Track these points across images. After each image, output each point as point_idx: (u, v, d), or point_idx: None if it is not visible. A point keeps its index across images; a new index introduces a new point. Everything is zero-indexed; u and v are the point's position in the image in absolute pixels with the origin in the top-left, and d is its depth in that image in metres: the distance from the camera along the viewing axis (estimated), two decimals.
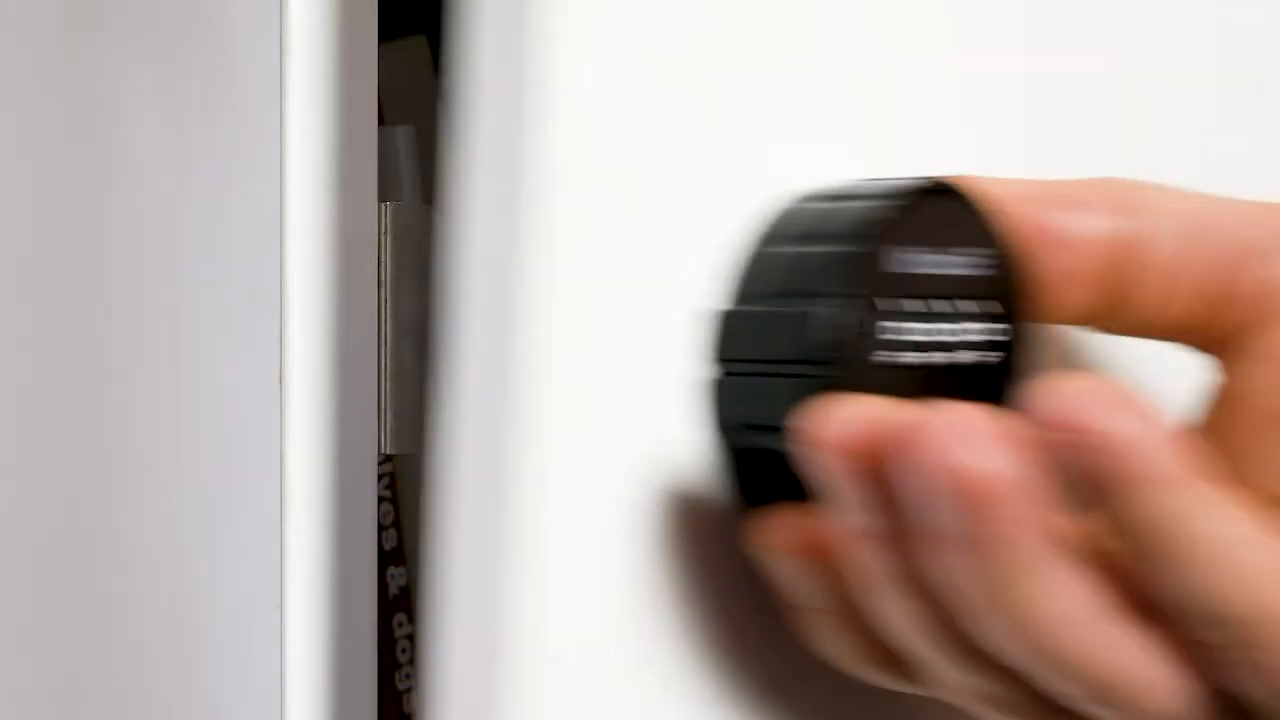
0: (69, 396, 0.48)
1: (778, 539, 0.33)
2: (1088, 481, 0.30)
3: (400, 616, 0.49)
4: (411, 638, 0.48)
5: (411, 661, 0.48)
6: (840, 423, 0.31)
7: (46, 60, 0.49)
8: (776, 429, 0.33)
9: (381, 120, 0.40)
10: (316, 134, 0.35)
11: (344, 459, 0.35)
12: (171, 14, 0.42)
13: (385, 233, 0.41)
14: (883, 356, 0.33)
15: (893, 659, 0.33)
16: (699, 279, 0.35)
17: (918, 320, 0.34)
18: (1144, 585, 0.30)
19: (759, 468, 0.35)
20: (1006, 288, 0.35)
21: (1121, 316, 0.35)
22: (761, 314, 0.34)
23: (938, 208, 0.34)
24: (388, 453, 0.41)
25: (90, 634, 0.47)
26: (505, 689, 0.34)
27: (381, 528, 0.48)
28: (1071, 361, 0.40)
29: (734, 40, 0.38)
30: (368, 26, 0.34)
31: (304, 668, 0.36)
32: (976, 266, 0.35)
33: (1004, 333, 0.35)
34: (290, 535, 0.36)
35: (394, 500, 0.49)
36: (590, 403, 0.34)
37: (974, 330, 0.34)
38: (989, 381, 0.35)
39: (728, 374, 0.34)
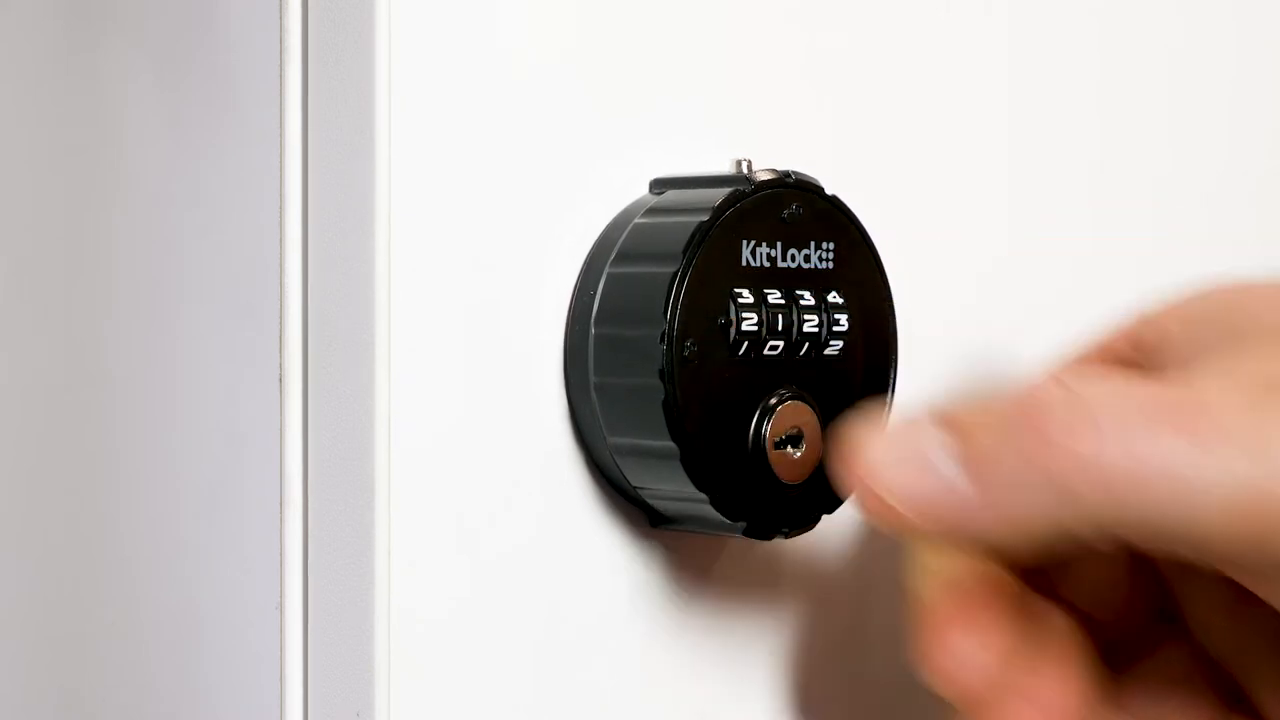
0: (69, 396, 0.48)
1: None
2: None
3: None
4: None
5: None
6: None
7: (47, 60, 0.49)
8: (648, 442, 0.34)
9: None
10: (316, 134, 0.35)
11: (344, 459, 0.35)
12: (171, 14, 0.43)
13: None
14: (736, 349, 0.34)
15: None
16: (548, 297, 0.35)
17: (756, 311, 0.34)
18: None
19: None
20: (845, 279, 0.36)
21: None
22: (621, 336, 0.35)
23: (780, 200, 0.35)
24: None
25: (90, 634, 0.47)
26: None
27: None
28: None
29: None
30: (368, 26, 0.34)
31: (303, 668, 0.36)
32: (818, 259, 0.35)
33: (844, 323, 0.36)
34: (290, 535, 0.36)
35: None
36: (452, 418, 0.34)
37: (812, 322, 0.35)
38: (831, 371, 0.36)
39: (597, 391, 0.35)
